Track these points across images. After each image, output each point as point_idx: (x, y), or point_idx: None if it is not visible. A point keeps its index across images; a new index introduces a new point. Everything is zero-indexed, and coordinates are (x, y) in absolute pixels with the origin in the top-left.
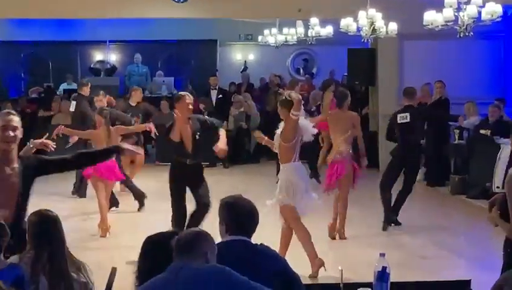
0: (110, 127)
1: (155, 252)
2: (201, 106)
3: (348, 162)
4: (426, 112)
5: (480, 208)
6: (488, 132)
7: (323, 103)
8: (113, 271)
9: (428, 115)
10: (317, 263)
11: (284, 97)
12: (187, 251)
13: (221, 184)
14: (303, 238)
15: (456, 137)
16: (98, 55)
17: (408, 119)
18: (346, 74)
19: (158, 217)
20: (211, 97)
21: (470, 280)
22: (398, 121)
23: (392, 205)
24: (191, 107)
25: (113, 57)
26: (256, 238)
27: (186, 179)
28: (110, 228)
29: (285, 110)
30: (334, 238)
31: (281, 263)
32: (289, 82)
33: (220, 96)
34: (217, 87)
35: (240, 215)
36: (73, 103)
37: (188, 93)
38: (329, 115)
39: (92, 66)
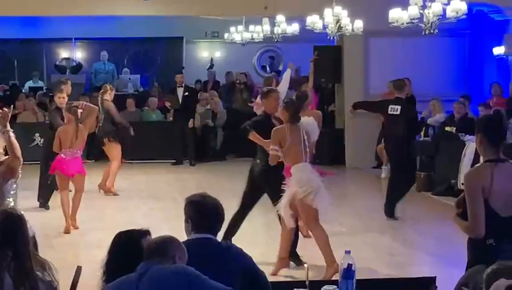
0: (79, 125)
1: (124, 249)
2: (167, 104)
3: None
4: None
5: (446, 205)
6: (454, 129)
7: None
8: (78, 270)
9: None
10: (335, 267)
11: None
12: (155, 254)
13: (187, 182)
14: (321, 239)
15: (422, 134)
16: (63, 53)
17: (398, 112)
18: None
19: (125, 215)
20: (177, 94)
21: (435, 277)
22: (389, 112)
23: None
24: (277, 105)
25: (79, 54)
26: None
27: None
28: (75, 224)
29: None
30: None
31: (247, 261)
32: (264, 79)
33: (186, 93)
34: (183, 85)
35: (206, 213)
36: None
37: (276, 88)
38: None
39: (57, 63)
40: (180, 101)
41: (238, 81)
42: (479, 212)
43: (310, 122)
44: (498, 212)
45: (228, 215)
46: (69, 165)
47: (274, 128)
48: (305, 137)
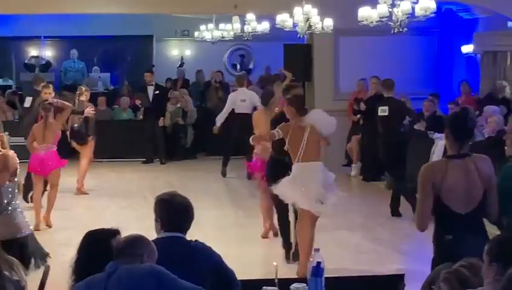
0: (51, 120)
1: (93, 248)
2: (138, 102)
3: None
4: (402, 106)
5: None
6: (423, 127)
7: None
8: (47, 269)
9: (404, 110)
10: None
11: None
12: (124, 253)
13: (157, 180)
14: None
15: None
16: (33, 51)
17: (387, 113)
18: (282, 66)
19: (95, 214)
20: (147, 93)
21: (404, 274)
22: (379, 114)
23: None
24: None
25: (48, 52)
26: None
27: None
28: (45, 223)
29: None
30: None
31: (216, 259)
32: (236, 78)
33: (157, 92)
34: (153, 83)
35: (175, 211)
36: (28, 98)
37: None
38: (254, 114)
39: (26, 61)
40: (151, 99)
41: (214, 80)
42: (424, 208)
43: (318, 116)
44: (453, 208)
45: (198, 214)
46: (44, 163)
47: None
48: (308, 136)
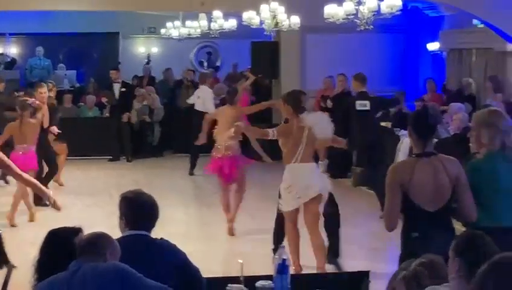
0: (30, 119)
1: (56, 247)
2: (104, 100)
3: (240, 156)
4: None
5: (366, 194)
6: (389, 124)
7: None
8: (10, 268)
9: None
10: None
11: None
12: (87, 251)
13: (124, 178)
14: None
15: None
16: None
17: (368, 107)
18: (249, 67)
19: (60, 212)
20: (113, 90)
21: (369, 271)
22: (357, 108)
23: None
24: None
25: (14, 50)
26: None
27: None
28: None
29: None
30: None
31: (181, 257)
32: (199, 75)
33: (123, 89)
34: (120, 81)
35: (140, 210)
36: None
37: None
38: (218, 111)
39: None
40: (117, 97)
41: (186, 79)
42: (392, 207)
43: (318, 119)
44: (421, 206)
45: (164, 212)
46: (23, 162)
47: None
48: (305, 138)
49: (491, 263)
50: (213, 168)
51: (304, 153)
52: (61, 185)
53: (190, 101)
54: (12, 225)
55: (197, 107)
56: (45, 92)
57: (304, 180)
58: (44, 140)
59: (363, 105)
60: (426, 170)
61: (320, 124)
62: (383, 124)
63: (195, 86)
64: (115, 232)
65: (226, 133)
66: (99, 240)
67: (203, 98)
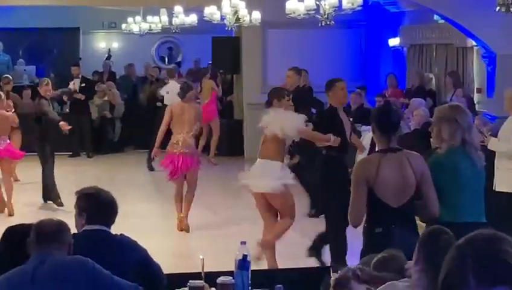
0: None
1: (13, 243)
2: (65, 98)
3: (196, 155)
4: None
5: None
6: (350, 119)
7: (203, 90)
8: None
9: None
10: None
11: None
12: (50, 240)
13: (84, 174)
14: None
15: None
16: None
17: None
18: (210, 62)
19: (20, 208)
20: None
21: (330, 267)
22: None
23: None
24: (345, 95)
25: None
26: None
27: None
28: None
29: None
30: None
31: (141, 253)
32: (167, 70)
33: (83, 84)
34: (80, 76)
35: (100, 205)
36: None
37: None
38: (173, 107)
39: None
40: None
41: (151, 75)
42: (358, 204)
43: (281, 116)
44: (386, 201)
45: (125, 207)
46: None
47: None
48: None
49: (466, 239)
50: (166, 163)
51: (262, 148)
52: (16, 180)
53: (163, 92)
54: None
55: (166, 102)
56: (50, 90)
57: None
58: None
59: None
60: (392, 166)
61: (285, 121)
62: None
63: (160, 82)
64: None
65: (181, 128)
66: (64, 229)
67: (172, 93)
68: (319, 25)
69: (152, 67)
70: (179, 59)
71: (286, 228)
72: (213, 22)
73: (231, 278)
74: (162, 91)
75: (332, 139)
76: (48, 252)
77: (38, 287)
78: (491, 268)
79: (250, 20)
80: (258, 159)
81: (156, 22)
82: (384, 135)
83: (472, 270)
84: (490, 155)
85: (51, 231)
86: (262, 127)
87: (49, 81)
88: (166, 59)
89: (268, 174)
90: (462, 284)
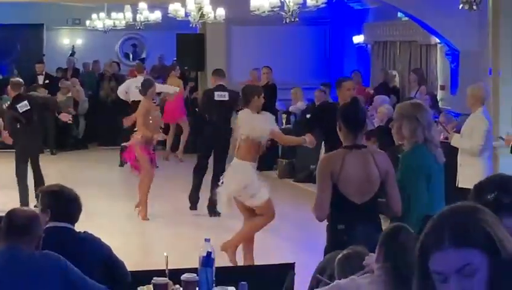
0: None
1: None
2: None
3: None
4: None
5: (307, 191)
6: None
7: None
8: None
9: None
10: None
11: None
12: (21, 233)
13: (48, 171)
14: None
15: (284, 121)
16: None
17: (227, 98)
18: (175, 59)
19: None
20: (37, 82)
21: (294, 263)
22: (216, 98)
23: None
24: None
25: None
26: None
27: None
28: None
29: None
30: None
31: (105, 250)
32: (136, 65)
33: (47, 81)
34: (44, 73)
35: (64, 202)
36: None
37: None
38: (133, 103)
39: None
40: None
41: (107, 71)
42: (323, 198)
43: (251, 117)
44: (349, 198)
45: (89, 204)
46: None
47: None
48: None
49: (448, 207)
50: (128, 156)
51: (238, 149)
52: None
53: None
54: None
55: (133, 98)
56: None
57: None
58: None
59: (221, 96)
60: (356, 162)
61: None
62: (308, 116)
63: (116, 78)
64: None
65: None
66: (35, 222)
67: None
68: (284, 22)
69: (110, 63)
70: (143, 56)
71: (261, 226)
72: (177, 18)
73: (195, 275)
74: (131, 86)
75: (308, 141)
76: (16, 245)
77: (5, 280)
78: (467, 232)
79: (215, 17)
80: (233, 159)
81: (120, 18)
82: (351, 132)
83: (449, 231)
84: (453, 151)
85: (23, 223)
86: (236, 127)
87: None
88: (131, 56)
89: (236, 177)
90: (437, 243)
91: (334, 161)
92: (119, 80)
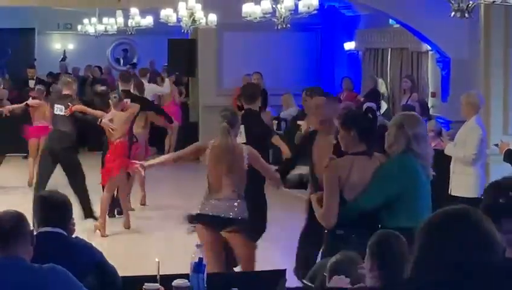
0: None
1: None
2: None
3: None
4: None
5: (297, 198)
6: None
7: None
8: None
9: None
10: None
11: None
12: (14, 236)
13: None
14: None
15: (275, 128)
16: None
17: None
18: (166, 64)
19: None
20: (29, 87)
21: (285, 270)
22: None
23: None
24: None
25: None
26: None
27: None
28: None
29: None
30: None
31: (97, 255)
32: (139, 71)
33: (39, 87)
34: (35, 78)
35: (49, 207)
36: None
37: None
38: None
39: None
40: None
41: (88, 76)
42: (333, 204)
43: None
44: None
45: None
46: None
47: None
48: None
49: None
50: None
51: None
52: None
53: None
54: None
55: None
56: None
57: None
58: None
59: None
60: (364, 169)
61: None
62: (299, 122)
63: (98, 82)
64: None
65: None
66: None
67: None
68: (275, 28)
69: (93, 67)
70: (135, 60)
71: None
72: (169, 24)
73: (186, 281)
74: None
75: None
76: (13, 254)
77: None
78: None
79: (207, 23)
80: None
81: (112, 23)
82: (363, 141)
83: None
84: (446, 160)
85: (11, 226)
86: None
87: None
88: (122, 61)
89: None
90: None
91: (342, 167)
92: (103, 84)
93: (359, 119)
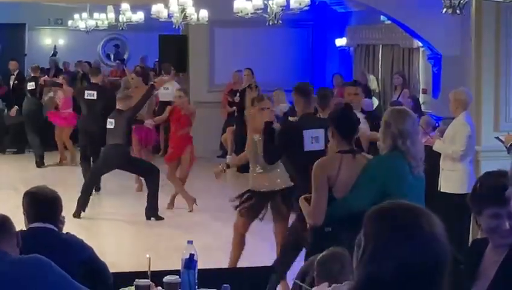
0: None
1: None
2: None
3: None
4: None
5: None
6: (297, 119)
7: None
8: None
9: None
10: None
11: None
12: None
13: (29, 172)
14: None
15: None
16: None
17: (95, 97)
18: (157, 60)
19: None
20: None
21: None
22: (85, 97)
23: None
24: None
25: None
26: None
27: None
28: None
29: None
30: None
31: (87, 252)
32: (163, 66)
33: (16, 81)
34: (16, 72)
35: (41, 203)
36: None
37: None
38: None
39: None
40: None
41: (78, 72)
42: (321, 202)
43: None
44: None
45: (72, 205)
46: None
47: None
48: None
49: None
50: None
51: None
52: None
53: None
54: None
55: (163, 98)
56: None
57: None
58: None
59: (90, 94)
60: (352, 167)
61: None
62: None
63: (86, 77)
64: (20, 227)
65: None
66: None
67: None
68: (267, 24)
69: (82, 62)
70: (125, 56)
71: None
72: (160, 19)
73: (177, 277)
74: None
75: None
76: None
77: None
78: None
79: (198, 19)
80: None
81: (103, 18)
82: (345, 138)
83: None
84: (436, 156)
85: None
86: None
87: None
88: (112, 56)
89: None
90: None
91: (331, 166)
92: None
93: (336, 117)
